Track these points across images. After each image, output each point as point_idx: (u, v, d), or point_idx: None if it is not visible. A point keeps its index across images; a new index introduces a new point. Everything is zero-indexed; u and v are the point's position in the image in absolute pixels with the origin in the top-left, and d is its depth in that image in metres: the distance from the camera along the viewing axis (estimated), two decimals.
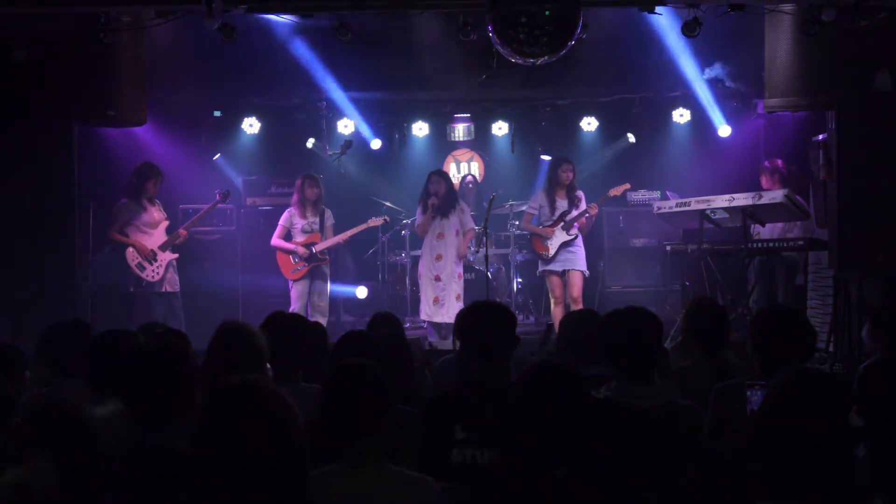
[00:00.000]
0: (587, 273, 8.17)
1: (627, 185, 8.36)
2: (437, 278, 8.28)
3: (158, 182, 7.80)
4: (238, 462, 1.97)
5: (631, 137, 10.07)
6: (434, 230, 8.30)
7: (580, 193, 8.14)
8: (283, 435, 2.02)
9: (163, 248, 7.73)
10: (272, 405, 2.04)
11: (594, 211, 8.03)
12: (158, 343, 2.87)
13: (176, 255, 7.83)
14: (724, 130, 9.57)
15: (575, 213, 8.01)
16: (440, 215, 8.25)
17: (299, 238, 8.08)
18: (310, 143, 9.96)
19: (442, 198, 8.24)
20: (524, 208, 8.57)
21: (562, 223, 8.03)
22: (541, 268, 8.23)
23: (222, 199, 8.21)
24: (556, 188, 8.13)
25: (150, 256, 7.64)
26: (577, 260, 8.05)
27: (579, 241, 8.09)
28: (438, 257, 8.28)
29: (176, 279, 7.84)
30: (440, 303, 8.23)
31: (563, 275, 8.07)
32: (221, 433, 1.99)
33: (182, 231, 7.95)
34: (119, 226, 7.66)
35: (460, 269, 8.40)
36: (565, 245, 8.01)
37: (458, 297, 8.25)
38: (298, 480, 2.04)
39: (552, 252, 8.03)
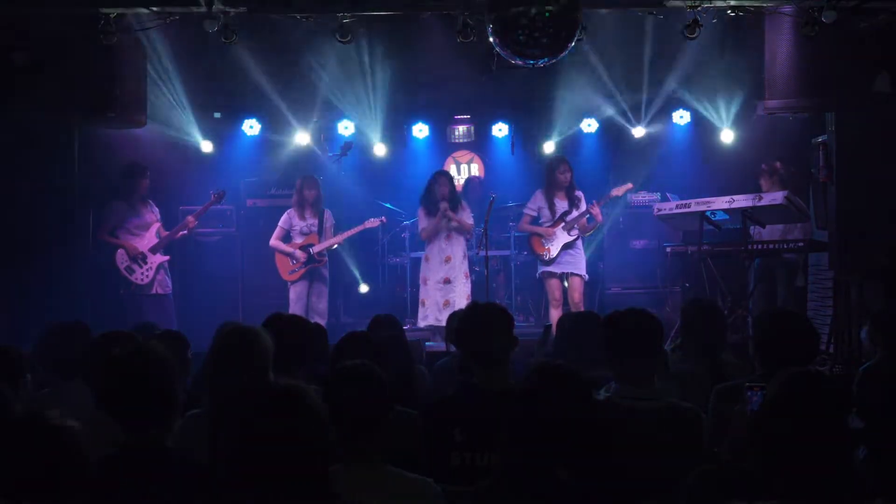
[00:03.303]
0: (587, 277, 8.05)
1: (630, 185, 8.25)
2: (447, 281, 8.05)
3: (147, 179, 7.73)
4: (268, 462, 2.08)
5: (633, 137, 10.07)
6: (442, 232, 8.09)
7: (580, 193, 8.00)
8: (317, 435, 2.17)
9: (153, 250, 7.67)
10: (307, 410, 2.17)
11: (595, 211, 7.84)
12: (128, 352, 2.78)
13: (167, 258, 7.77)
14: (727, 135, 9.53)
15: (576, 213, 7.89)
16: (447, 217, 8.04)
17: (298, 240, 8.05)
18: (310, 144, 9.95)
19: (449, 199, 8.02)
20: (524, 210, 8.38)
21: (563, 223, 7.92)
22: (540, 269, 8.05)
23: (217, 199, 8.13)
24: (554, 189, 7.98)
25: (140, 259, 7.59)
26: (578, 263, 7.94)
27: (580, 242, 7.98)
28: (447, 259, 8.07)
29: (167, 281, 7.78)
30: (450, 305, 7.91)
31: (562, 277, 7.97)
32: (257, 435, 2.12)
33: (190, 218, 7.90)
34: (109, 227, 7.62)
35: (467, 269, 8.19)
36: (567, 247, 7.89)
37: (467, 298, 7.98)
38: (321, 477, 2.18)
39: (553, 253, 7.89)
